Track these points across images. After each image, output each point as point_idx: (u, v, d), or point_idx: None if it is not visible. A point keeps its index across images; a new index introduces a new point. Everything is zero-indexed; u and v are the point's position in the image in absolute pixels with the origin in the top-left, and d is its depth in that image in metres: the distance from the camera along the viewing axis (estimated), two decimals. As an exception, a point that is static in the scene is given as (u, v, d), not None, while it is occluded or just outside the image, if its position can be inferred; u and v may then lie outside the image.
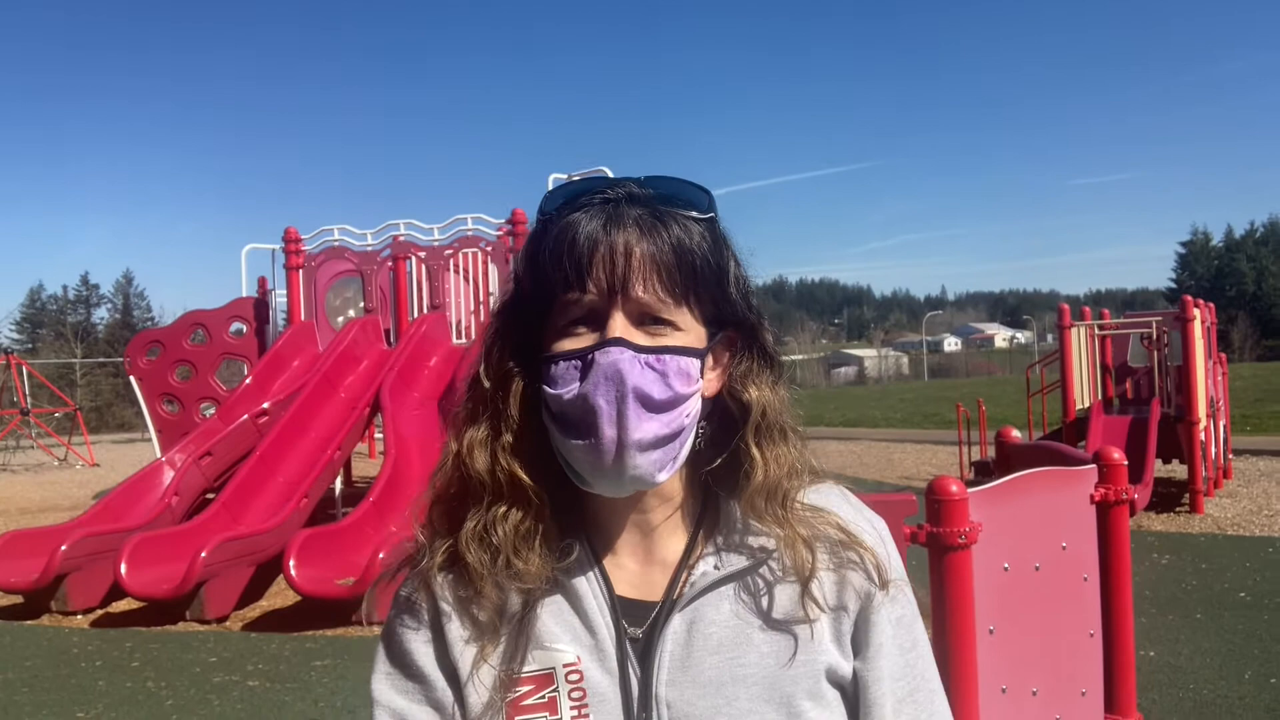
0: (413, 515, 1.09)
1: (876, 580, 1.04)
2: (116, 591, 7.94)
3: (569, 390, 0.96)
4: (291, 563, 7.27)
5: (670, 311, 0.98)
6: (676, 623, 1.01)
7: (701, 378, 1.01)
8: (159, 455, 10.50)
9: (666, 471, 0.98)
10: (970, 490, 3.22)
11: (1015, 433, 5.97)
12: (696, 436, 1.03)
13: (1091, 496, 3.94)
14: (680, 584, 1.03)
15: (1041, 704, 3.43)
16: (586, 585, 1.03)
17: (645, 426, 0.95)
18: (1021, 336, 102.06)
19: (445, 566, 1.05)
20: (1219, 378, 13.32)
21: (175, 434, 11.12)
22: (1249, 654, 5.78)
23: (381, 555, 7.17)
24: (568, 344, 0.98)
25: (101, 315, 69.73)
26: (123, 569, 7.56)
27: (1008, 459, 5.63)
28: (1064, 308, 12.78)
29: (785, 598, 1.02)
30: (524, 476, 1.01)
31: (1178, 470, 12.13)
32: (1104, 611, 3.89)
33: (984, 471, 10.98)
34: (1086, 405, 12.42)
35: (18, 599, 8.24)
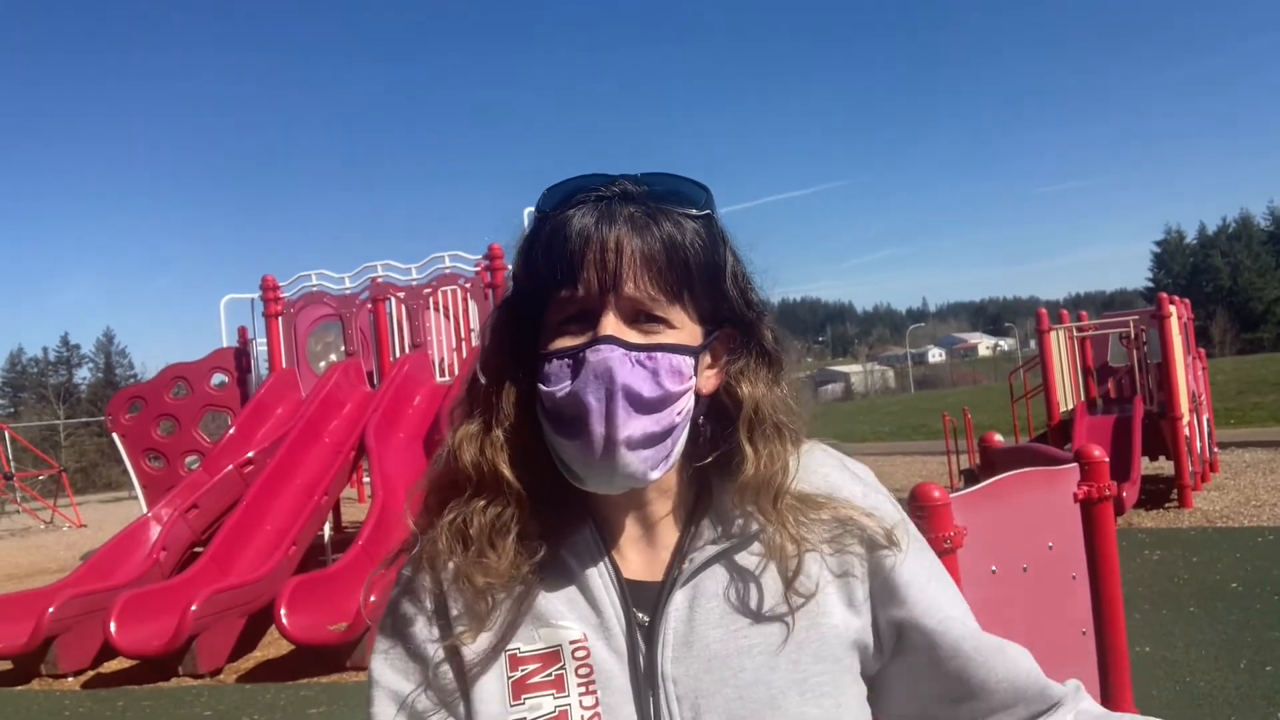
0: (408, 502, 1.10)
1: (882, 539, 1.04)
2: (107, 651, 7.84)
3: (561, 388, 0.96)
4: (283, 611, 7.21)
5: (663, 309, 0.98)
6: (678, 599, 1.01)
7: (696, 375, 1.01)
8: (145, 511, 10.42)
9: (659, 470, 0.99)
10: (953, 495, 3.24)
11: (998, 437, 6.00)
12: (698, 434, 1.04)
13: (1075, 495, 3.96)
14: (681, 562, 1.03)
15: (1037, 704, 3.43)
16: (592, 564, 1.03)
17: (634, 424, 0.95)
18: (1004, 344, 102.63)
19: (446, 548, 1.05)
20: (1199, 372, 13.42)
21: (161, 489, 11.04)
22: (1243, 643, 5.80)
23: (373, 599, 7.10)
24: (561, 342, 0.98)
25: (84, 375, 69.38)
26: (112, 627, 7.47)
27: (992, 464, 5.65)
28: (1042, 312, 12.88)
29: (784, 568, 1.02)
30: (506, 472, 1.01)
31: (1165, 467, 12.19)
32: (1095, 609, 3.90)
33: (972, 479, 11.01)
34: (1070, 407, 12.49)
35: (7, 664, 8.11)
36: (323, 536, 10.39)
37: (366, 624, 6.99)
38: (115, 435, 11.85)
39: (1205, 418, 13.13)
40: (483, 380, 1.04)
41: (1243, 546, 8.62)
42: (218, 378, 12.26)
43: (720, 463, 1.05)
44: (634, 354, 0.96)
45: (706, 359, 1.03)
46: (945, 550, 3.06)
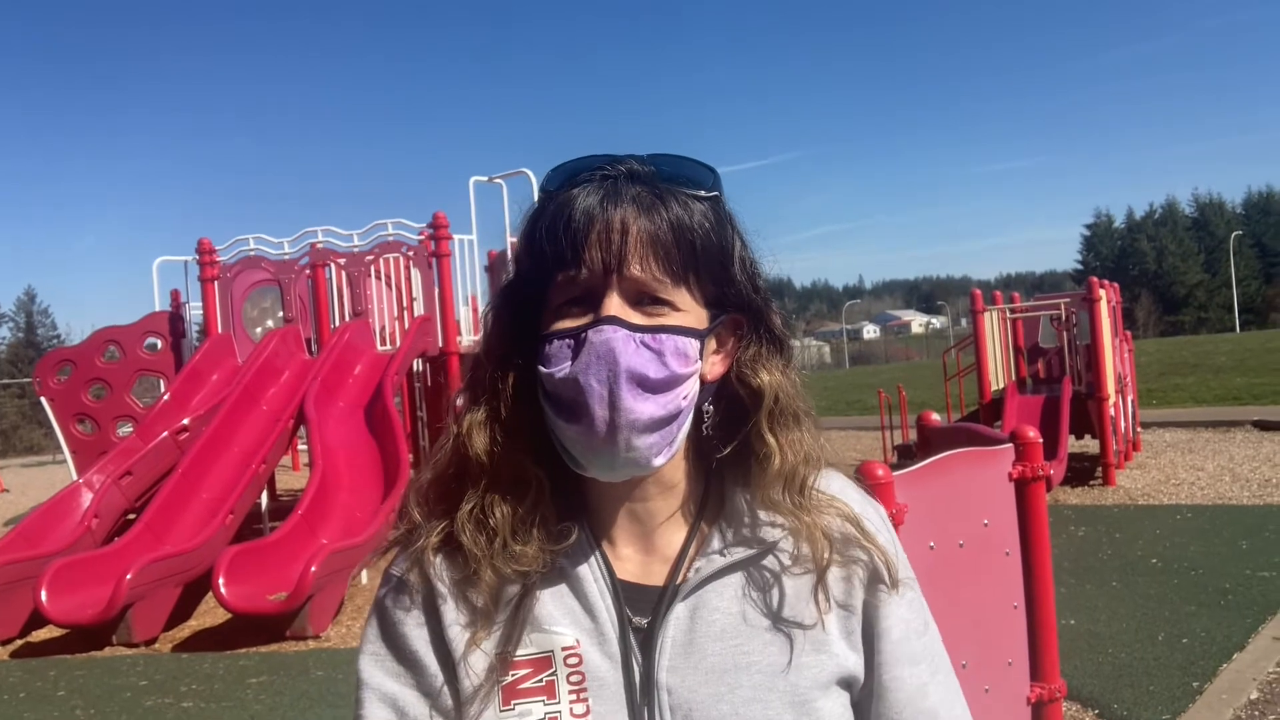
0: (408, 495, 1.06)
1: (886, 577, 1.03)
2: (38, 619, 7.69)
3: (560, 369, 0.94)
4: (221, 580, 7.14)
5: (668, 291, 0.96)
6: (679, 609, 0.99)
7: (701, 359, 0.98)
8: (75, 477, 10.20)
9: (663, 456, 0.96)
10: (895, 473, 3.34)
11: (935, 416, 6.16)
12: (703, 421, 1.01)
13: (1010, 474, 4.09)
14: (684, 570, 1.01)
15: (971, 676, 3.56)
16: (587, 569, 1.00)
17: (640, 407, 0.92)
18: (937, 321, 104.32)
19: (440, 547, 1.02)
20: (1126, 354, 13.83)
21: (91, 454, 10.82)
22: (1161, 617, 6.06)
23: (313, 569, 7.08)
24: (562, 323, 0.96)
25: (2, 335, 66.95)
26: (43, 596, 7.33)
27: (929, 442, 5.80)
28: (976, 293, 13.15)
29: (792, 588, 1.01)
30: (522, 459, 0.99)
31: (1090, 445, 12.57)
32: (1026, 584, 4.05)
33: (906, 454, 11.25)
34: (1001, 386, 12.80)
35: (-68, 633, 7.94)
36: (259, 505, 10.27)
37: (307, 594, 6.97)
38: (44, 399, 11.56)
39: (1130, 399, 13.56)
40: (487, 366, 1.02)
41: (1162, 524, 8.97)
42: (150, 341, 12.00)
43: (735, 461, 1.03)
44: (638, 335, 0.94)
45: (712, 344, 1.01)
46: (888, 527, 3.17)
